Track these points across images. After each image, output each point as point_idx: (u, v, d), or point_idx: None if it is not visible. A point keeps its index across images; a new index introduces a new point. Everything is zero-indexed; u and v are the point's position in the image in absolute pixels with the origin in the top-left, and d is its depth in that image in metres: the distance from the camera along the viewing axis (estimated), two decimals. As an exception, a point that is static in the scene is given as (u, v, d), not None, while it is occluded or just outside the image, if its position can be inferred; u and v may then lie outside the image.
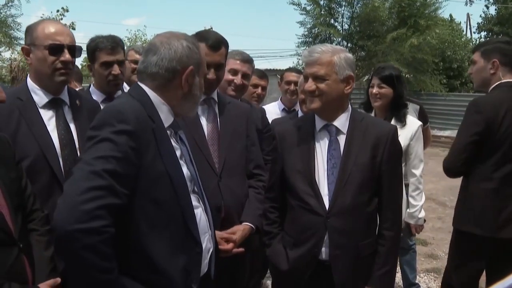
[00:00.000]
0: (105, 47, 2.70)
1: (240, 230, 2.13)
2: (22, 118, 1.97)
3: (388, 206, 1.98)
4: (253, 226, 2.18)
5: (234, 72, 2.73)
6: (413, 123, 3.10)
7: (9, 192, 1.65)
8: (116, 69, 2.73)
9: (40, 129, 1.99)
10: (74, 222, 1.27)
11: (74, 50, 2.10)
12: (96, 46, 2.72)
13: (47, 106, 2.07)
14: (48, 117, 2.05)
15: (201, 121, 2.20)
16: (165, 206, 1.51)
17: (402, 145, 2.91)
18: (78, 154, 2.03)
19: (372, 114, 3.17)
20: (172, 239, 1.52)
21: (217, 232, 2.03)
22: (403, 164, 2.99)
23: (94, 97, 2.78)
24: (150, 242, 1.47)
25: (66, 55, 2.04)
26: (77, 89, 3.90)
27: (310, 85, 1.92)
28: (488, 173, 2.49)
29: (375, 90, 3.07)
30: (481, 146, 2.49)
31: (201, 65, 1.67)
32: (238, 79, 2.74)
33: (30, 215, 1.77)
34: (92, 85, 2.93)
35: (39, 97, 2.06)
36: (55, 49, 2.02)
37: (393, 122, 3.03)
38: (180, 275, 1.53)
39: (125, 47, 2.97)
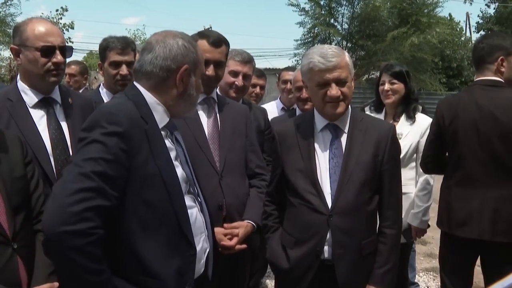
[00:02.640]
0: (115, 47, 2.72)
1: (242, 226, 2.13)
2: (12, 119, 1.95)
3: (389, 205, 1.98)
4: (254, 224, 2.18)
5: (235, 74, 2.70)
6: (423, 119, 3.00)
7: (9, 191, 1.63)
8: (124, 70, 2.73)
9: (30, 129, 1.96)
10: (61, 224, 1.27)
11: (65, 51, 2.07)
12: (107, 45, 2.74)
13: (37, 105, 2.04)
14: (39, 117, 2.02)
15: (202, 120, 2.20)
16: (157, 208, 1.48)
17: (411, 142, 2.90)
18: (71, 153, 2.01)
19: (383, 113, 3.12)
20: (165, 241, 1.49)
21: (219, 229, 2.02)
22: (413, 164, 2.95)
23: (103, 97, 2.79)
24: (142, 244, 1.45)
25: (58, 57, 2.01)
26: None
27: (336, 91, 1.89)
28: (451, 172, 2.57)
29: (386, 86, 3.01)
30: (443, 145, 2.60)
31: (197, 65, 1.63)
32: (239, 81, 2.70)
33: (37, 216, 1.74)
34: (101, 84, 2.95)
35: (29, 97, 2.03)
36: (47, 51, 1.99)
37: (402, 118, 2.98)
38: (173, 277, 1.50)
39: None
